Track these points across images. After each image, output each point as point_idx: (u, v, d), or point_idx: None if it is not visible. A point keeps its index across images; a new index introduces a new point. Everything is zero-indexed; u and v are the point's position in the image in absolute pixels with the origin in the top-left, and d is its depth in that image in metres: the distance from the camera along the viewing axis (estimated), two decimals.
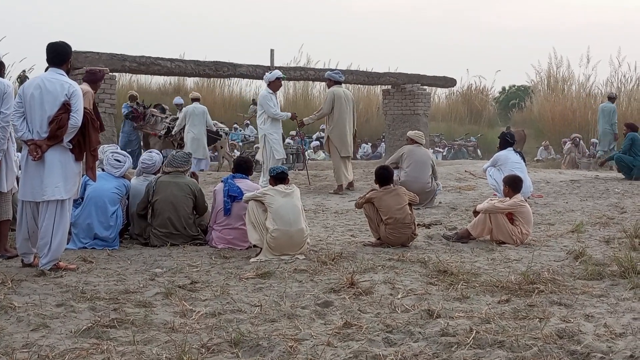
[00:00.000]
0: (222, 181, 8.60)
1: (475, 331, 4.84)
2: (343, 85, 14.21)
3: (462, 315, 5.33)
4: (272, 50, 19.56)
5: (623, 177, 15.45)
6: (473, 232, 8.58)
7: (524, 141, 26.82)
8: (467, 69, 49.87)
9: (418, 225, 8.94)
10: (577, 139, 24.22)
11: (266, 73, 13.64)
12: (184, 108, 17.22)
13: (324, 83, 29.79)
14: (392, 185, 8.55)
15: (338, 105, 13.29)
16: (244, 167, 8.73)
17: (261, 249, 7.62)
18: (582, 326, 5.04)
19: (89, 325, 5.01)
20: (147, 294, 5.99)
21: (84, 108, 6.87)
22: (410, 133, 12.59)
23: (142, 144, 18.32)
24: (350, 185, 13.67)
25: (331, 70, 15.03)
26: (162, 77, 29.06)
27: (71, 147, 6.80)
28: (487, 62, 62.88)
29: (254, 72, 19.41)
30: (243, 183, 8.45)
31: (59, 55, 6.94)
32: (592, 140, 25.92)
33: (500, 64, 71.57)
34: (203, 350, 4.58)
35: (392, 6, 77.17)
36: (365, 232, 9.11)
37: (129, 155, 8.87)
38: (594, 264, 7.04)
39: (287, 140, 24.73)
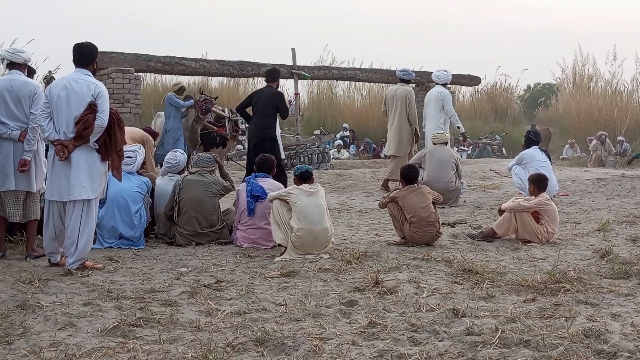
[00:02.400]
0: (244, 181, 8.62)
1: (500, 330, 4.82)
2: (409, 82, 14.12)
3: (487, 315, 5.31)
4: (293, 50, 19.65)
5: None
6: (498, 231, 8.54)
7: (549, 139, 26.70)
8: (499, 66, 49.23)
9: (443, 224, 8.92)
10: (603, 137, 24.03)
11: (441, 72, 13.71)
12: None
13: (347, 82, 29.97)
14: (416, 184, 8.54)
15: (388, 105, 13.51)
16: (266, 165, 8.75)
17: (286, 248, 7.64)
18: (608, 325, 5.00)
19: (116, 324, 5.04)
20: (173, 293, 6.02)
21: (110, 108, 6.92)
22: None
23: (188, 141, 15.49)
24: (384, 183, 13.62)
25: (356, 68, 15.03)
26: (187, 76, 29.26)
27: (97, 147, 6.85)
28: (512, 61, 62.59)
29: None
30: (265, 182, 8.47)
31: (85, 56, 6.99)
32: (618, 138, 25.76)
33: (526, 63, 71.21)
34: (228, 349, 4.59)
35: (417, 4, 77.01)
36: (389, 231, 9.10)
37: (138, 149, 8.85)
38: (620, 262, 6.98)
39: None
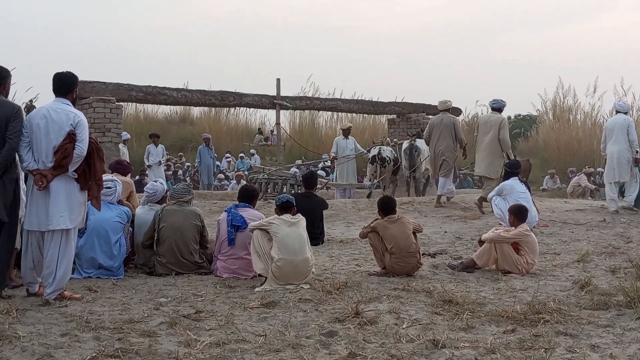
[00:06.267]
0: (225, 211, 8.62)
1: None
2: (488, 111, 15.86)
3: (467, 346, 5.30)
4: (278, 80, 19.72)
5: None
6: (478, 262, 8.56)
7: (529, 170, 26.82)
8: (477, 100, 49.59)
9: (423, 254, 8.93)
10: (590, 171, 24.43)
11: (622, 102, 15.73)
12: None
13: (330, 112, 30.08)
14: (396, 214, 8.55)
15: (480, 130, 14.93)
16: (248, 195, 8.77)
17: (266, 278, 7.61)
18: (587, 356, 5.02)
19: (93, 355, 4.99)
20: (152, 323, 5.97)
21: (89, 137, 6.90)
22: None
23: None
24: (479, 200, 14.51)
25: (338, 99, 15.29)
26: (168, 106, 29.28)
27: (76, 176, 6.83)
28: (494, 93, 63.12)
29: (260, 101, 19.56)
30: (246, 212, 8.47)
31: (64, 85, 6.99)
32: (598, 169, 25.95)
33: (508, 95, 71.73)
34: None
35: (398, 37, 77.55)
36: (370, 261, 9.09)
37: (118, 180, 8.82)
38: (599, 293, 7.01)
39: (294, 169, 24.75)
